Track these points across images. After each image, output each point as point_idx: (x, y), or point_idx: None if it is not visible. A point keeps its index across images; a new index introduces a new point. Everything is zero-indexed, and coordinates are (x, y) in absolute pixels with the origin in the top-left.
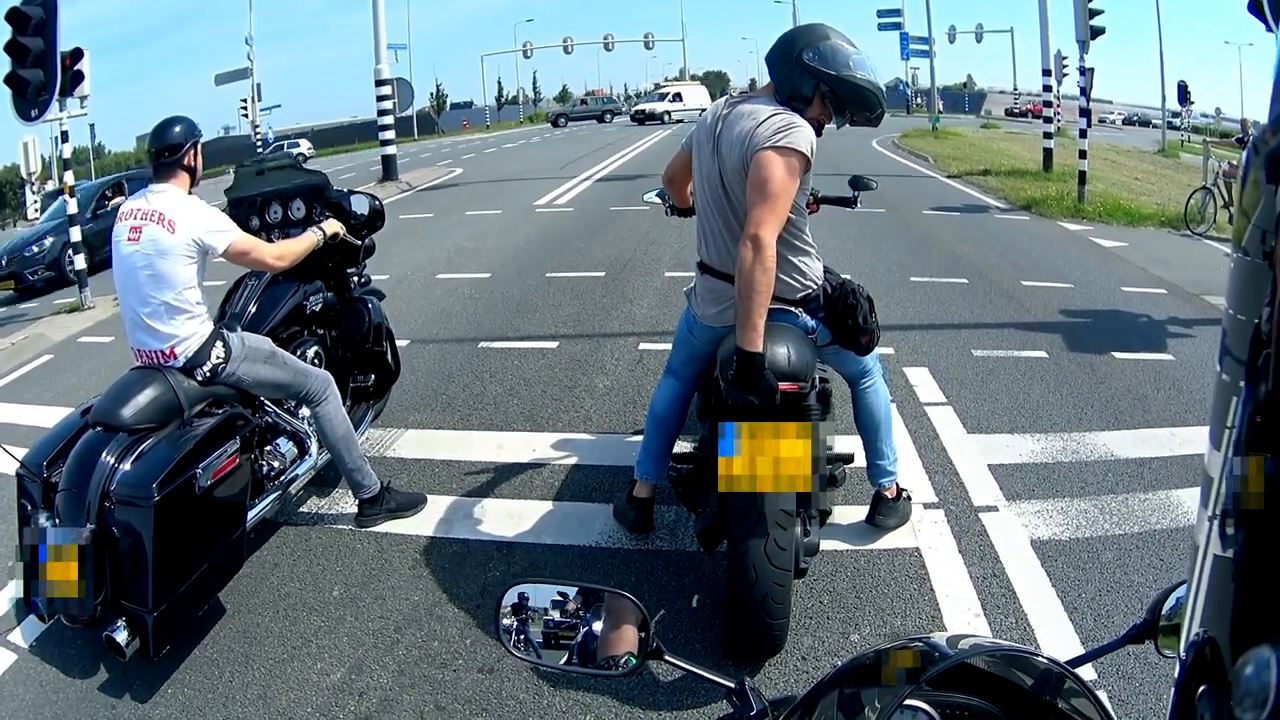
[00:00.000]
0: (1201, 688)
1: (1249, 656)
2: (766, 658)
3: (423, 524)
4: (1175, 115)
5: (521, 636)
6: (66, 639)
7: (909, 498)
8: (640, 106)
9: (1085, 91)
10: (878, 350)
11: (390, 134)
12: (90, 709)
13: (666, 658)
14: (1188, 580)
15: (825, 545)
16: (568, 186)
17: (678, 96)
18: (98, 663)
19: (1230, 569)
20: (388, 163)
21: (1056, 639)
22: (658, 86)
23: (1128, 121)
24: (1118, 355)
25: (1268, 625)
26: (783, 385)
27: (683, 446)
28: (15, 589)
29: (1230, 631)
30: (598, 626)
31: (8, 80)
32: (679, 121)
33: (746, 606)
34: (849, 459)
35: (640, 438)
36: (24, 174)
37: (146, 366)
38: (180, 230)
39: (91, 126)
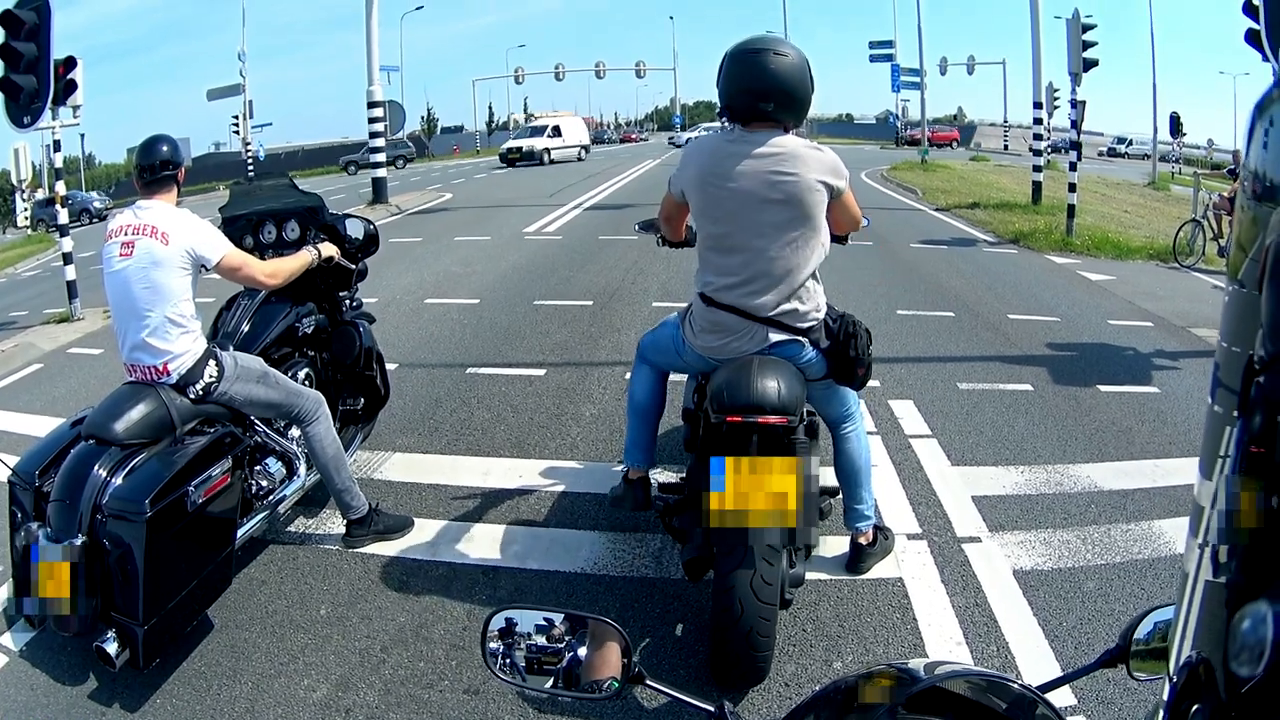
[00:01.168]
0: (1195, 707)
1: (1245, 611)
2: (751, 686)
3: (410, 546)
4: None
5: (507, 661)
6: (57, 645)
7: (888, 535)
8: (512, 143)
9: (1076, 124)
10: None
11: (381, 156)
12: (80, 715)
13: (648, 682)
14: (1177, 604)
15: (809, 575)
16: (557, 214)
17: (556, 131)
18: (88, 670)
19: (1223, 594)
20: (378, 185)
21: (1038, 667)
22: (529, 119)
23: (1112, 153)
24: (1103, 388)
25: None
26: (772, 419)
27: (668, 477)
28: (4, 594)
29: (1224, 652)
30: (582, 652)
31: (1, 85)
32: (555, 162)
33: (732, 637)
34: (835, 492)
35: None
36: (14, 181)
37: (139, 382)
38: (174, 241)
39: (82, 136)
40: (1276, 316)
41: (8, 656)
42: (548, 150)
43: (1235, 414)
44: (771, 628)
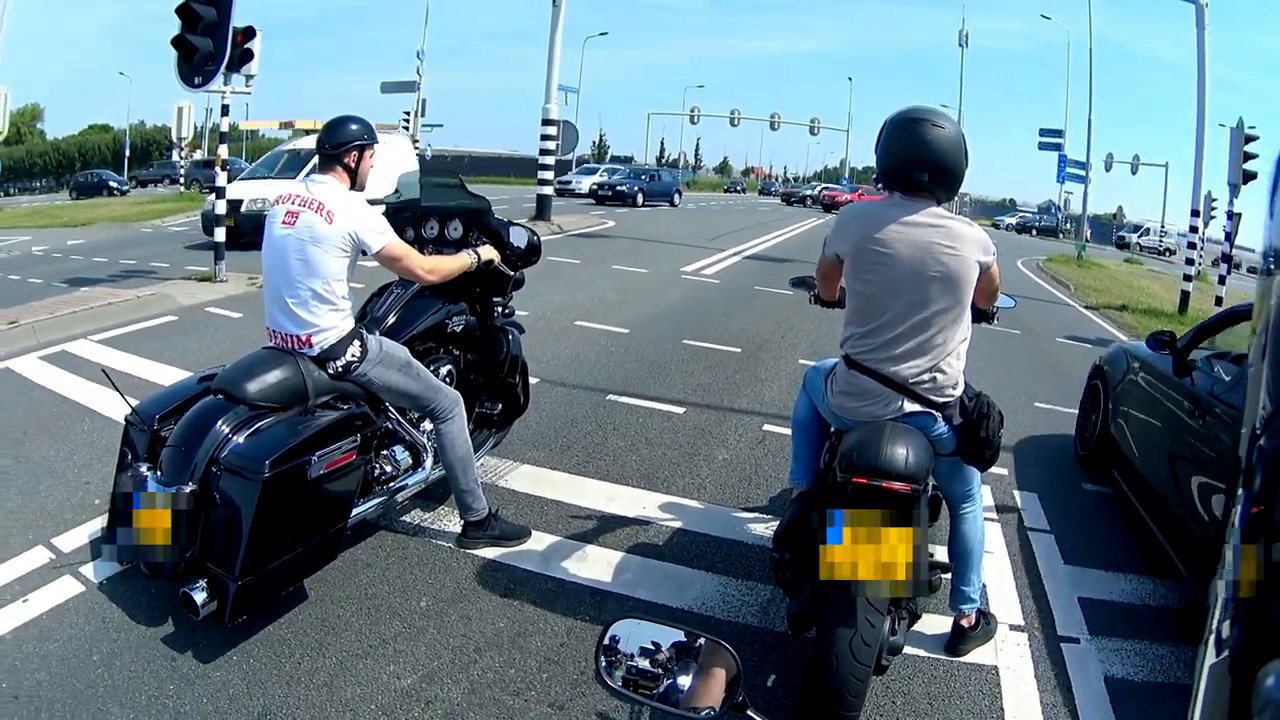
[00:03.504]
0: None
1: (1269, 668)
2: None
3: (523, 556)
4: None
5: (616, 670)
6: (138, 585)
7: (991, 621)
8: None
9: (1230, 236)
10: (992, 470)
11: (549, 174)
12: (149, 655)
13: (749, 713)
14: (1190, 704)
15: (908, 650)
16: (716, 258)
17: None
18: (166, 615)
19: (1226, 664)
20: (542, 202)
21: None
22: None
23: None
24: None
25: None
26: (896, 485)
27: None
28: (96, 526)
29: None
30: (683, 680)
31: (175, 43)
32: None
33: (823, 693)
34: (947, 568)
35: (749, 514)
36: (174, 138)
37: (279, 349)
38: (338, 222)
39: (247, 106)
40: (1276, 374)
41: (85, 587)
42: None
43: (1240, 491)
44: (863, 689)
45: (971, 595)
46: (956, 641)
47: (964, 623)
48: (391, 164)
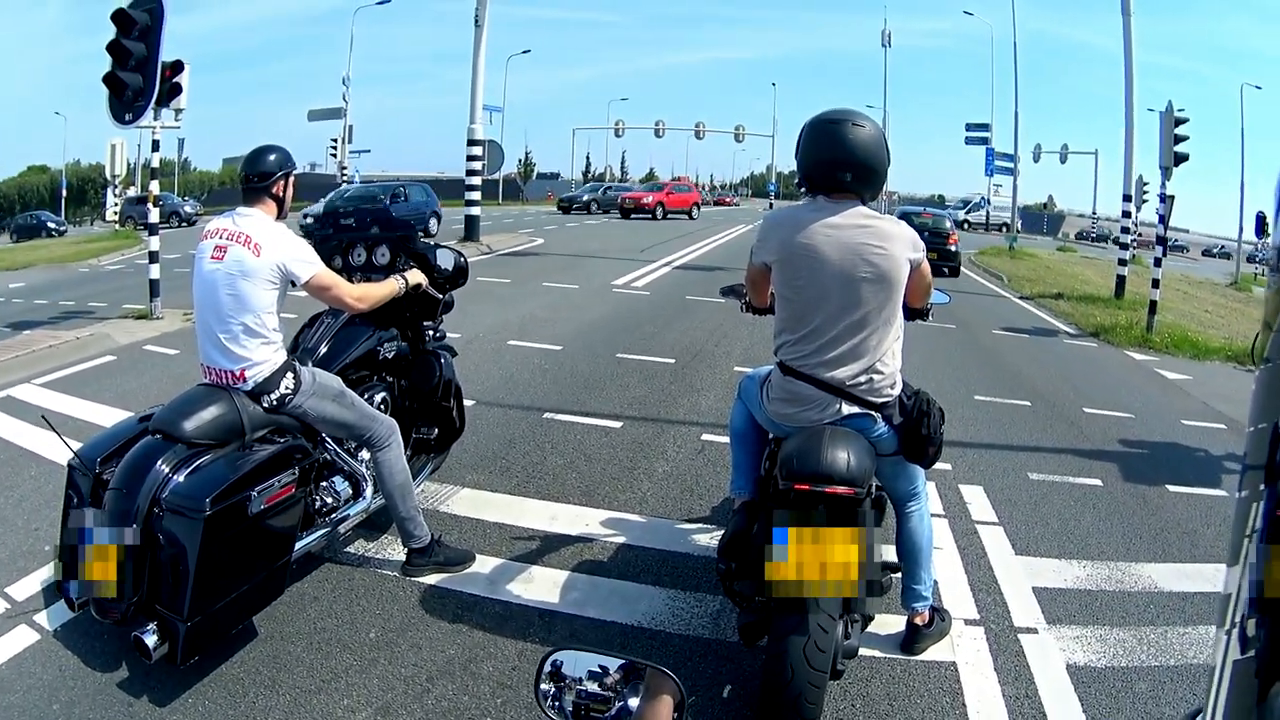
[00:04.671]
0: None
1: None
2: None
3: (468, 581)
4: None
5: (558, 702)
6: (92, 630)
7: (945, 618)
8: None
9: (1164, 219)
10: (936, 465)
11: (476, 194)
12: (106, 702)
13: None
14: (1208, 691)
15: (864, 651)
16: (646, 269)
17: None
18: (120, 659)
19: (1253, 666)
20: (470, 223)
21: None
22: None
23: (1206, 253)
24: (1171, 488)
25: None
26: (839, 489)
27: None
28: (48, 573)
29: None
30: (633, 702)
31: (106, 80)
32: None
33: (781, 702)
34: (897, 568)
35: (693, 525)
36: (108, 175)
37: (214, 385)
38: (266, 254)
39: (181, 140)
40: None
41: (40, 635)
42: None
43: (1262, 487)
44: (820, 695)
45: (923, 593)
46: (912, 640)
47: (918, 620)
48: None
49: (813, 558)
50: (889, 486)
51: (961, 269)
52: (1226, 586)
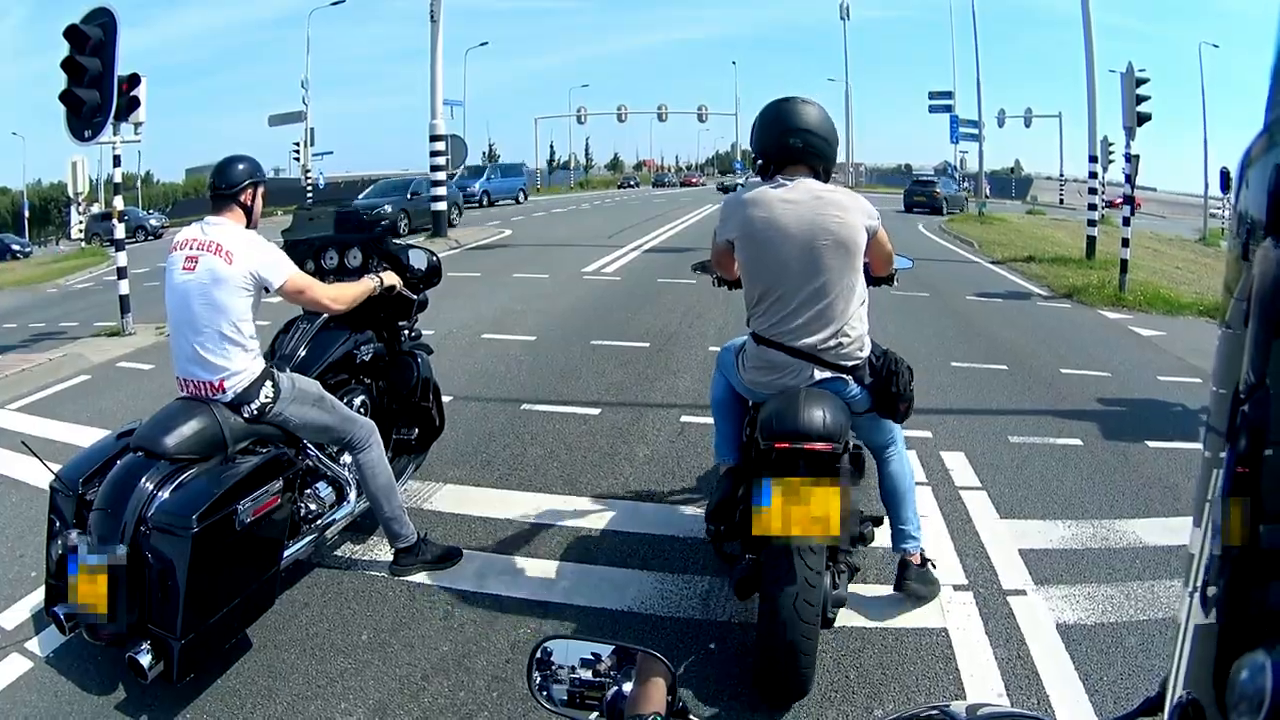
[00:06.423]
0: None
1: (1243, 661)
2: (793, 700)
3: (457, 577)
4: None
5: (551, 691)
6: (85, 653)
7: (934, 566)
8: None
9: (1130, 178)
10: (916, 433)
11: (441, 189)
12: None
13: (691, 718)
14: (1173, 652)
15: (853, 622)
16: (616, 255)
17: None
18: (115, 680)
19: (1214, 630)
20: (438, 218)
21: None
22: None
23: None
24: (1151, 444)
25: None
26: (817, 445)
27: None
28: (36, 598)
29: (1214, 691)
30: (626, 687)
31: (63, 98)
32: None
33: (776, 651)
34: (879, 521)
35: (677, 506)
36: (70, 193)
37: (193, 398)
38: (238, 262)
39: (139, 154)
40: (1258, 347)
41: (33, 662)
42: None
43: (1224, 454)
44: (814, 645)
45: (912, 533)
46: (903, 578)
47: (911, 560)
48: None
49: (796, 509)
50: (866, 439)
51: (933, 237)
52: (1191, 547)
